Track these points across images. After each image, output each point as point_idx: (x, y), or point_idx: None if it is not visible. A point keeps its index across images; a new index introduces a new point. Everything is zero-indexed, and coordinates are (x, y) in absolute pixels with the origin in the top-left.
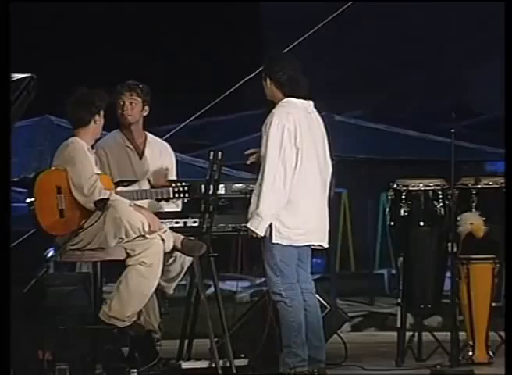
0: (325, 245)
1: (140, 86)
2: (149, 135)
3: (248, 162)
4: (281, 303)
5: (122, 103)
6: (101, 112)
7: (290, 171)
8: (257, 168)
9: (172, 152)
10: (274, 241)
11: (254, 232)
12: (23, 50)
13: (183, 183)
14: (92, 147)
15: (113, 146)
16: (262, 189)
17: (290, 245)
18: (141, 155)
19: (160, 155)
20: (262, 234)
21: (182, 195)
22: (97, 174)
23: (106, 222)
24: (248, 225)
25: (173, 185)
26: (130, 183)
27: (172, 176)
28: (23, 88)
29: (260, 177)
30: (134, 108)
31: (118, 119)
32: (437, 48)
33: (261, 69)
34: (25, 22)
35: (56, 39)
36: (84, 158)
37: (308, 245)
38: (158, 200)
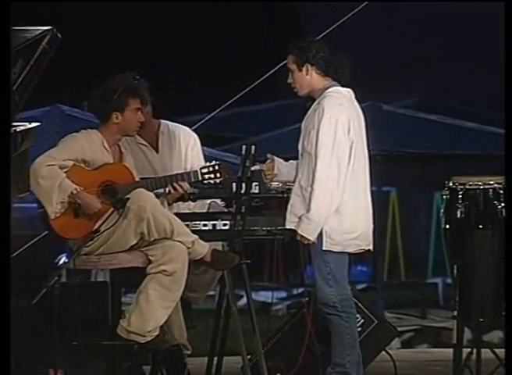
0: (372, 248)
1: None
2: (162, 123)
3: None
4: (335, 317)
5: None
6: (129, 111)
7: (344, 169)
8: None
9: (195, 136)
10: (324, 247)
11: (306, 238)
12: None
13: (213, 163)
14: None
15: (125, 143)
16: (314, 190)
17: (342, 251)
18: (157, 148)
19: (180, 143)
20: (314, 240)
21: (213, 177)
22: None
23: (129, 212)
24: (299, 231)
25: (201, 166)
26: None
27: (201, 163)
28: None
29: (301, 176)
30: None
31: None
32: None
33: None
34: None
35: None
36: (70, 143)
37: (358, 250)
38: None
